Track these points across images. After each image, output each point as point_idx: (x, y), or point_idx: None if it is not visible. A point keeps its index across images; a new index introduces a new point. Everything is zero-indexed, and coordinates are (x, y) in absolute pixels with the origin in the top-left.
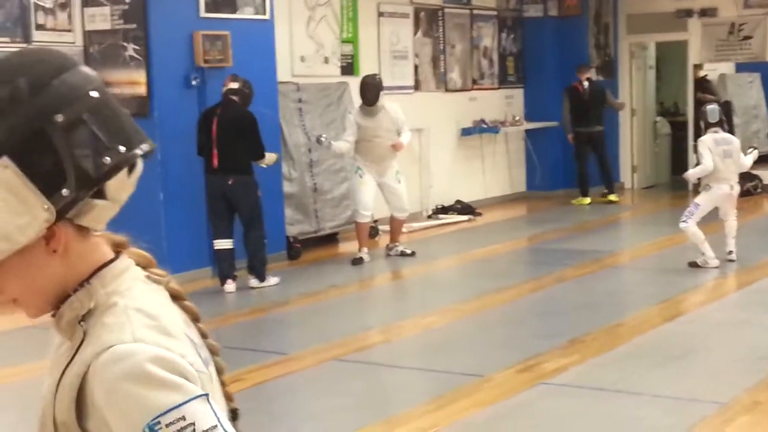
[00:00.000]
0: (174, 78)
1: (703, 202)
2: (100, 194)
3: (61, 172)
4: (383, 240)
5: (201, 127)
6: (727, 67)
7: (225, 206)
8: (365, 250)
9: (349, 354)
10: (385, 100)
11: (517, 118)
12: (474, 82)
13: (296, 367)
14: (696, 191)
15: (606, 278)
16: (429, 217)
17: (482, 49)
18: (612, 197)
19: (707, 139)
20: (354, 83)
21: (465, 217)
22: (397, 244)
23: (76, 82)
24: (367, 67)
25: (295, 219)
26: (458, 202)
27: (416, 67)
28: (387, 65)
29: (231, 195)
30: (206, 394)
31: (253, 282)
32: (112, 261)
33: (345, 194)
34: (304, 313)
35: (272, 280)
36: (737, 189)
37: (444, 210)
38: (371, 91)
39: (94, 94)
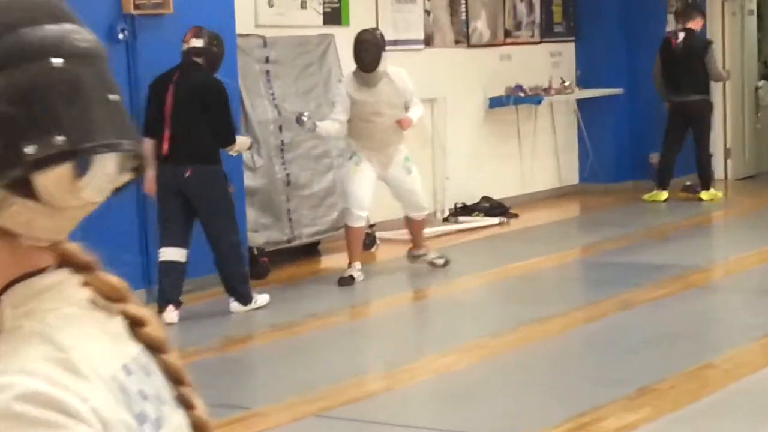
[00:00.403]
0: (93, 30)
1: None
2: (29, 192)
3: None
4: (382, 252)
5: (152, 98)
6: None
7: (180, 205)
8: (357, 265)
9: (336, 408)
10: (388, 64)
11: (566, 83)
12: (507, 33)
13: (264, 425)
14: None
15: (689, 303)
16: (445, 219)
17: None
18: (704, 195)
19: None
20: (342, 36)
21: (495, 220)
22: (423, 250)
23: (35, 41)
24: (359, 14)
25: (260, 224)
26: (486, 199)
27: (427, 14)
28: (387, 11)
29: (188, 191)
30: None
31: (235, 306)
32: (36, 274)
33: (329, 189)
34: (274, 353)
35: (260, 300)
36: None
37: (466, 210)
38: (369, 52)
39: (55, 61)
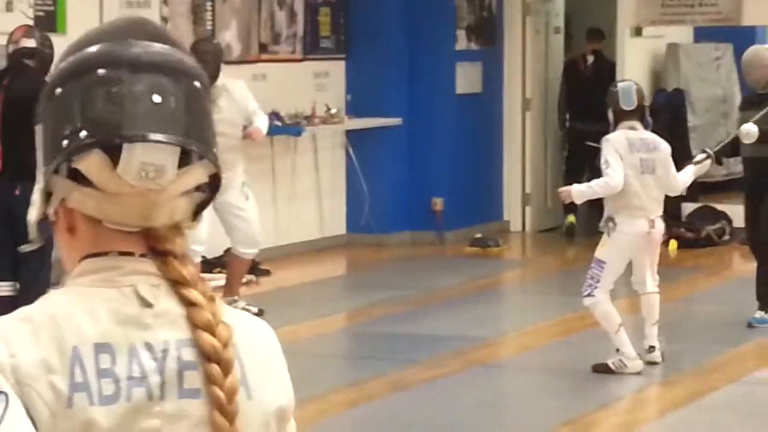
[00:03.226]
0: None
1: (608, 256)
2: (84, 181)
3: (54, 144)
4: None
5: None
6: (680, 34)
7: (7, 229)
8: None
9: None
10: (228, 78)
11: (333, 110)
12: (263, 48)
13: None
14: None
15: (472, 384)
16: None
17: None
18: (571, 218)
19: (616, 139)
20: (58, 46)
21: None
22: (236, 297)
23: (90, 57)
24: (79, 19)
25: None
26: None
27: (165, 22)
28: (114, 17)
29: (18, 211)
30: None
31: None
32: (98, 255)
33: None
34: None
35: None
36: (660, 227)
37: (205, 265)
38: (210, 64)
39: (101, 72)
